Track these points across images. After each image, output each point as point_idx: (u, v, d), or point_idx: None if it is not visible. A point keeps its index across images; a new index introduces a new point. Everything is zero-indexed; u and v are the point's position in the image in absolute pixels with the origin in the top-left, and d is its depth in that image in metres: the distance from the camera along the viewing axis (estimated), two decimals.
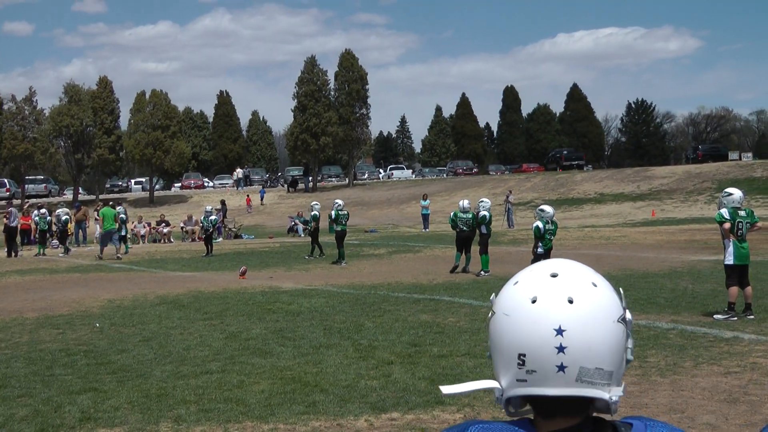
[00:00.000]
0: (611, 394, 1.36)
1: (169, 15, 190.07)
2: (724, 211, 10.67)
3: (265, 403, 6.90)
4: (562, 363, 1.34)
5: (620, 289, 1.45)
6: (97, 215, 27.80)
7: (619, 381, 1.39)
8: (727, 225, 10.58)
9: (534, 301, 1.37)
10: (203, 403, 6.99)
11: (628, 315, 1.41)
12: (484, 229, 17.45)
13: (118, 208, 32.23)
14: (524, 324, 1.37)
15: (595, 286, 1.39)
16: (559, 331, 1.34)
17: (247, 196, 55.97)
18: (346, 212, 21.91)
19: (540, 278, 1.41)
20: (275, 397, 7.11)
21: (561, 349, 1.34)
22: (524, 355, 1.35)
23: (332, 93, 64.95)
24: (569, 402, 1.37)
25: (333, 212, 21.64)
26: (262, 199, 56.92)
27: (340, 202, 22.15)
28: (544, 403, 1.38)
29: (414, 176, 74.64)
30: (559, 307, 1.36)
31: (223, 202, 39.44)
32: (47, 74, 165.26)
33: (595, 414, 1.41)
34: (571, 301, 1.36)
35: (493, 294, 1.49)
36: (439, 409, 6.58)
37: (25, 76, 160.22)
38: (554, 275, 1.40)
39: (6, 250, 28.93)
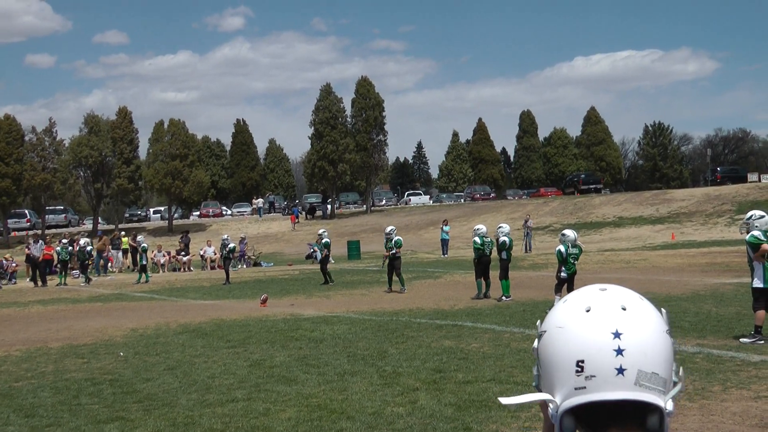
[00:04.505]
0: (666, 404, 1.38)
1: (189, 45, 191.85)
2: (758, 233, 10.52)
3: (292, 431, 6.90)
4: (621, 365, 1.36)
5: (662, 309, 1.49)
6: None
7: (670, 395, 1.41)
8: (765, 246, 10.42)
9: (588, 311, 1.42)
10: (230, 431, 6.99)
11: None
12: (504, 255, 17.41)
13: (138, 238, 32.47)
14: (581, 331, 1.40)
15: (642, 299, 1.47)
16: (617, 335, 1.38)
17: (292, 214, 59.09)
18: (399, 238, 21.54)
19: (589, 293, 1.48)
20: (302, 424, 7.11)
21: (619, 351, 1.37)
22: (583, 361, 1.38)
23: (349, 120, 65.28)
24: (624, 412, 1.37)
25: (395, 238, 21.20)
26: (297, 217, 58.93)
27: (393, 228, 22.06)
28: (599, 414, 1.38)
29: (431, 202, 74.57)
30: (614, 313, 1.41)
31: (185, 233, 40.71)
32: (68, 105, 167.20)
33: None
34: (624, 309, 1.42)
35: (539, 321, 1.52)
36: None
37: (46, 107, 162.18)
38: (603, 290, 1.47)
39: (32, 279, 29.24)
